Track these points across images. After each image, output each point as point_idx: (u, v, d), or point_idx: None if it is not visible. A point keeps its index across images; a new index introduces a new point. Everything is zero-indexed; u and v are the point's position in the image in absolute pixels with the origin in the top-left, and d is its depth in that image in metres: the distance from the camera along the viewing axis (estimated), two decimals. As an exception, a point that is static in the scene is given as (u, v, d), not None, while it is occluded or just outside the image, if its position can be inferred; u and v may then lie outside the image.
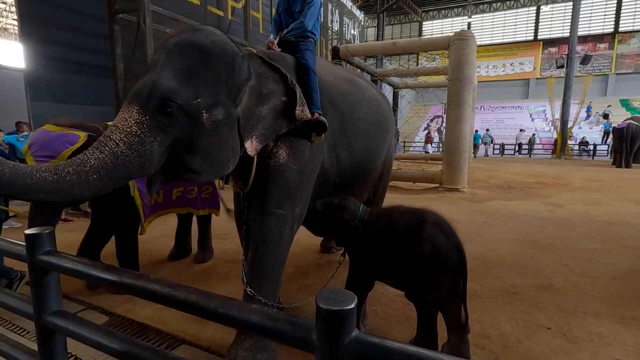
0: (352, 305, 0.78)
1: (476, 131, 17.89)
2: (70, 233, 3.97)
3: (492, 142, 18.04)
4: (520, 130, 19.05)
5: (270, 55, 2.00)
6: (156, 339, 2.11)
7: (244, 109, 1.64)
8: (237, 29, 8.34)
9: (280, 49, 2.21)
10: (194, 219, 3.44)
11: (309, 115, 1.87)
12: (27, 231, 1.32)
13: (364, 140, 2.32)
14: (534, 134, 19.10)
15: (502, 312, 2.42)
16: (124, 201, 2.60)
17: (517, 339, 2.11)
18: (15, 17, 8.56)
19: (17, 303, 1.44)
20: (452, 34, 6.43)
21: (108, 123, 2.75)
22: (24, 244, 1.32)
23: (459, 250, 1.86)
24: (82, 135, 2.32)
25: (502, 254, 3.51)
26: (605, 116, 12.67)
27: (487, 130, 18.61)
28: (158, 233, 3.91)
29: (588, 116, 19.94)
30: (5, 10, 15.62)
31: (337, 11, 13.24)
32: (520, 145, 18.31)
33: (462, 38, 6.21)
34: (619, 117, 17.87)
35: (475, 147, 17.55)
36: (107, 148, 1.31)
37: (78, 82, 8.09)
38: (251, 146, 1.69)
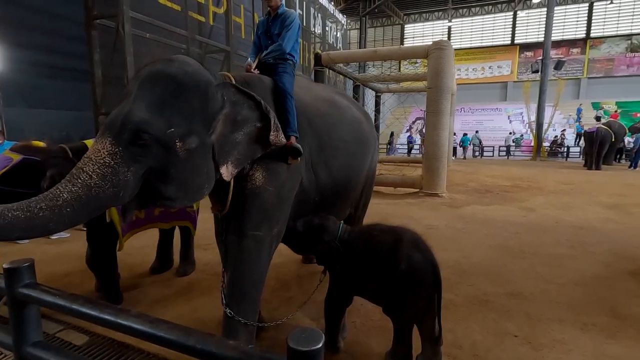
0: (320, 345, 0.85)
1: (465, 134, 18.46)
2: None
3: (480, 144, 18.56)
4: (510, 133, 19.75)
5: (248, 78, 2.05)
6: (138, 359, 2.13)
7: (218, 136, 1.68)
8: (219, 33, 8.31)
9: (258, 71, 2.26)
10: (176, 231, 3.46)
11: (284, 140, 1.92)
12: (6, 265, 1.33)
13: (344, 159, 2.39)
14: (522, 135, 19.71)
15: (474, 322, 2.54)
16: (100, 217, 2.60)
17: (487, 348, 2.24)
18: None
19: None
20: (431, 42, 6.60)
21: (87, 142, 2.74)
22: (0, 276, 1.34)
23: (434, 267, 1.96)
24: (15, 158, 2.28)
25: (476, 261, 3.66)
26: (598, 118, 13.18)
27: (477, 132, 19.17)
28: (139, 244, 3.87)
29: (579, 118, 20.59)
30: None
31: (319, 15, 13.32)
32: (501, 147, 18.89)
33: (440, 47, 6.38)
34: (591, 119, 18.78)
35: (465, 149, 18.09)
36: (79, 180, 1.32)
37: (53, 87, 7.90)
38: (227, 171, 1.73)
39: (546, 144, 17.09)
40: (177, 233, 3.46)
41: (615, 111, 20.61)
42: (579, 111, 20.62)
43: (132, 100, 1.47)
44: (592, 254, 3.89)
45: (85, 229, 4.36)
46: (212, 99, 1.66)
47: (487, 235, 4.58)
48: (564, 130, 19.18)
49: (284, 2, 2.43)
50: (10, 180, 2.21)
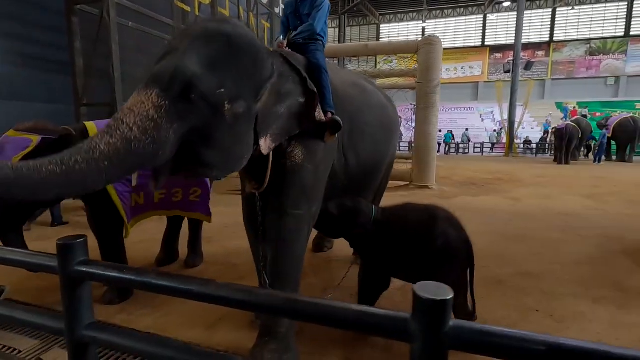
0: (452, 295, 0.84)
1: (449, 131, 19.11)
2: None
3: (469, 142, 19.20)
4: (494, 131, 20.49)
5: (284, 54, 2.01)
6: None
7: (262, 106, 1.62)
8: (203, 25, 8.08)
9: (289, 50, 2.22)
10: (184, 223, 3.34)
11: (323, 117, 1.90)
12: (59, 241, 1.23)
13: (370, 144, 2.39)
14: (501, 129, 20.22)
15: (494, 299, 2.62)
16: (103, 203, 2.50)
17: (513, 322, 2.31)
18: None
19: (41, 319, 1.33)
20: (416, 38, 6.74)
21: (86, 123, 2.60)
22: (50, 255, 1.24)
23: (467, 244, 2.01)
24: (35, 139, 2.19)
25: (481, 247, 3.71)
26: (584, 117, 13.95)
27: (467, 129, 19.82)
28: (137, 239, 3.72)
29: (565, 116, 21.55)
30: None
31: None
32: (476, 144, 19.66)
33: (430, 43, 6.53)
34: (556, 119, 19.90)
35: (447, 145, 18.68)
36: (118, 132, 1.19)
37: (26, 77, 7.37)
38: (265, 144, 1.66)
39: (518, 141, 17.91)
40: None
41: (574, 107, 21.85)
42: (566, 110, 21.55)
43: (182, 54, 1.37)
44: (583, 237, 4.12)
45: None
46: (263, 66, 1.61)
47: (483, 223, 4.72)
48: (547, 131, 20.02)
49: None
50: None
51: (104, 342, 1.25)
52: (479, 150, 19.09)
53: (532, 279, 2.96)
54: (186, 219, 3.25)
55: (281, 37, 2.29)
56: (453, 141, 19.29)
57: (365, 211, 2.11)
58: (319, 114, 1.83)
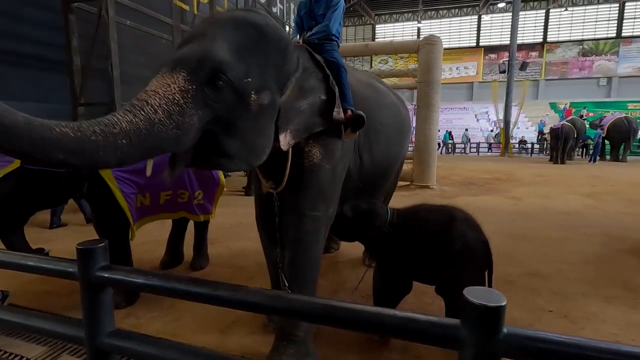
0: (505, 302, 0.81)
1: (447, 132, 19.22)
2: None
3: (469, 142, 19.30)
4: (491, 131, 20.59)
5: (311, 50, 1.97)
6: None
7: (285, 100, 1.58)
8: (201, 24, 8.00)
9: (305, 50, 2.18)
10: (188, 225, 3.29)
11: (343, 116, 1.87)
12: (79, 245, 1.18)
13: (385, 145, 2.36)
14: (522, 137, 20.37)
15: (507, 300, 2.60)
16: (108, 204, 2.45)
17: (528, 323, 2.30)
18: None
19: (59, 327, 1.27)
20: (412, 38, 6.73)
21: None
22: (69, 260, 1.18)
23: (486, 244, 1.99)
24: None
25: (487, 246, 3.77)
26: (581, 117, 14.06)
27: (466, 129, 19.91)
28: (139, 240, 3.64)
29: (563, 117, 21.71)
30: None
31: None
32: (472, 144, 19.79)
33: (431, 42, 6.54)
34: (550, 119, 20.10)
35: (446, 145, 18.86)
36: (142, 112, 1.13)
37: (19, 76, 7.23)
38: (284, 140, 1.60)
39: (513, 141, 18.05)
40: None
41: (566, 106, 22.05)
42: (564, 109, 21.73)
43: (210, 40, 1.32)
44: (587, 236, 4.14)
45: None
46: (290, 58, 1.58)
47: (487, 223, 4.62)
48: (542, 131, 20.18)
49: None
50: None
51: (127, 351, 1.20)
52: (474, 150, 19.19)
53: (542, 279, 2.96)
54: (192, 221, 3.20)
55: (297, 37, 2.25)
56: (451, 141, 19.38)
57: (380, 213, 2.08)
58: (338, 113, 1.80)
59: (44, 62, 7.29)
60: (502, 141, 16.96)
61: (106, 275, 1.17)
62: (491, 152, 18.56)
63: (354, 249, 3.37)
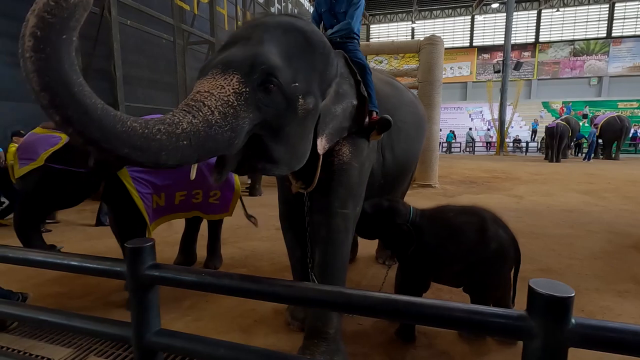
0: (574, 293, 0.83)
1: (451, 131, 19.27)
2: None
3: (473, 141, 19.41)
4: (487, 129, 20.74)
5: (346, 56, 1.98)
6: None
7: (324, 104, 1.60)
8: (202, 24, 7.95)
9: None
10: (203, 225, 3.28)
11: (368, 119, 1.89)
12: (129, 244, 1.18)
13: (405, 142, 2.38)
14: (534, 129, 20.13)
15: (522, 296, 2.64)
16: (125, 204, 2.45)
17: (547, 318, 2.34)
18: None
19: (105, 327, 1.27)
20: (406, 38, 6.78)
21: None
22: (116, 259, 1.18)
23: (515, 242, 2.02)
24: (64, 137, 2.17)
25: (496, 243, 3.82)
26: (584, 116, 14.17)
27: (470, 129, 20.02)
28: (149, 242, 3.64)
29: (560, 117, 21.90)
30: None
31: (295, 10, 13.27)
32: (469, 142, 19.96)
33: (432, 42, 6.59)
34: (543, 118, 20.37)
35: (450, 144, 19.13)
36: (201, 114, 1.12)
37: (15, 76, 7.13)
38: (321, 144, 1.63)
39: (507, 140, 18.24)
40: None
41: (562, 105, 22.36)
42: (569, 109, 21.94)
43: (259, 43, 1.32)
44: (592, 232, 4.21)
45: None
46: (331, 64, 1.60)
47: None
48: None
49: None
50: (62, 158, 2.09)
51: (175, 349, 1.20)
52: (470, 149, 19.36)
53: (554, 275, 3.01)
54: (205, 220, 3.19)
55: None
56: (455, 141, 19.56)
57: (402, 211, 2.09)
58: (365, 117, 1.82)
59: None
60: (498, 140, 17.12)
61: (156, 273, 1.16)
62: (490, 151, 18.69)
63: (368, 246, 3.37)
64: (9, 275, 2.83)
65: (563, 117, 14.21)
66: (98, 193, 2.47)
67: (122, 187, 2.42)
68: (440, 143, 19.02)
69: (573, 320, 0.82)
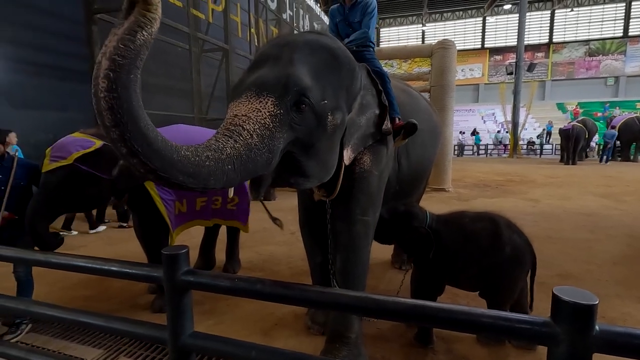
0: (597, 301, 0.86)
1: (478, 133, 19.51)
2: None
3: (500, 144, 19.38)
4: (498, 132, 20.58)
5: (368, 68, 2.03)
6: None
7: (350, 117, 1.65)
8: (216, 31, 8.12)
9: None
10: (221, 230, 3.36)
11: (389, 125, 1.93)
12: (165, 251, 1.25)
13: (420, 149, 2.42)
14: (544, 129, 19.79)
15: (540, 302, 2.62)
16: (150, 211, 2.54)
17: (567, 324, 2.33)
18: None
19: (144, 329, 1.34)
20: (416, 41, 6.79)
21: None
22: (153, 265, 1.25)
23: (530, 247, 2.04)
24: (98, 143, 2.27)
25: (513, 248, 3.80)
26: (613, 117, 13.74)
27: (498, 131, 20.03)
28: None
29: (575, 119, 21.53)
30: None
31: (307, 16, 13.40)
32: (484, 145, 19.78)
33: (445, 47, 6.60)
34: (557, 120, 19.99)
35: (478, 147, 19.09)
36: (241, 138, 1.18)
37: (38, 86, 7.40)
38: (347, 155, 1.69)
39: (521, 142, 17.99)
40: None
41: (576, 107, 21.90)
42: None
43: (289, 64, 1.38)
44: (611, 236, 4.16)
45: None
46: (357, 78, 1.65)
47: None
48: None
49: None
50: (90, 161, 2.19)
51: (209, 351, 1.26)
52: (483, 151, 19.14)
53: (573, 280, 2.99)
54: (224, 226, 3.27)
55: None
56: (481, 143, 19.43)
57: (419, 215, 2.12)
58: (386, 125, 1.87)
59: (64, 72, 7.47)
60: (511, 143, 16.91)
61: (191, 279, 1.23)
62: (506, 153, 18.41)
63: (378, 253, 3.40)
64: (37, 280, 2.95)
65: (580, 118, 13.93)
66: (124, 199, 2.57)
67: (146, 194, 2.51)
68: (462, 146, 18.96)
69: (597, 327, 0.85)
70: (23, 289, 2.38)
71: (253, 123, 1.23)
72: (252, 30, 9.41)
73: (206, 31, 8.02)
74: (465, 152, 19.43)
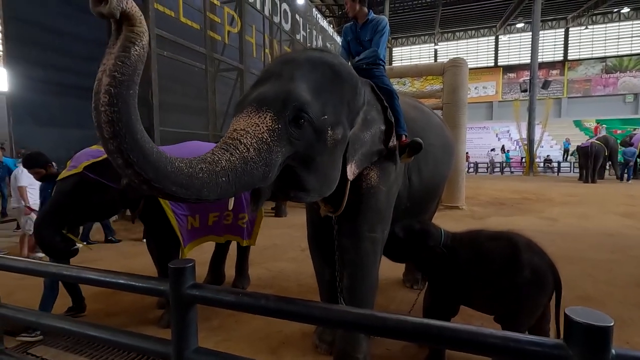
0: (613, 322, 0.83)
1: (507, 151, 19.38)
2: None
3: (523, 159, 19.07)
4: (492, 149, 20.35)
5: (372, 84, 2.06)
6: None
7: (353, 132, 1.67)
8: (231, 52, 8.40)
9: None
10: (232, 246, 3.37)
11: (396, 143, 1.93)
12: (172, 264, 1.26)
13: (432, 165, 2.40)
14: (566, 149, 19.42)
15: (561, 325, 2.52)
16: (162, 225, 2.57)
17: (588, 349, 2.21)
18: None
19: (147, 343, 1.34)
20: (429, 60, 6.83)
21: None
22: (159, 279, 1.25)
23: (553, 268, 1.95)
24: None
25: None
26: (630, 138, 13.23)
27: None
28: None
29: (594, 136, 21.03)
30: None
31: (320, 36, 13.72)
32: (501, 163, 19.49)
33: (456, 65, 6.63)
34: (574, 137, 19.58)
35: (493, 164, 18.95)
36: (237, 152, 1.22)
37: (61, 104, 7.77)
38: (350, 170, 1.69)
39: (537, 159, 17.64)
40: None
41: (597, 124, 21.41)
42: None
43: (289, 80, 1.42)
44: (634, 257, 3.98)
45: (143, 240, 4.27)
46: (359, 94, 1.67)
47: None
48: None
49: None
50: (98, 170, 2.28)
51: (213, 367, 1.24)
52: (498, 169, 18.83)
53: (594, 303, 2.85)
54: (234, 242, 3.28)
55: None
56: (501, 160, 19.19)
57: (434, 233, 2.08)
58: (393, 141, 1.87)
59: (87, 92, 7.78)
60: (527, 160, 16.61)
61: (196, 293, 1.23)
62: (516, 171, 18.09)
63: (390, 271, 3.33)
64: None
65: (600, 135, 13.58)
66: (138, 211, 2.61)
67: (159, 208, 2.55)
68: (493, 162, 18.75)
69: (613, 351, 0.81)
70: (46, 296, 2.53)
71: (251, 137, 1.26)
72: (267, 50, 9.68)
73: (222, 52, 8.28)
74: (479, 170, 19.13)
